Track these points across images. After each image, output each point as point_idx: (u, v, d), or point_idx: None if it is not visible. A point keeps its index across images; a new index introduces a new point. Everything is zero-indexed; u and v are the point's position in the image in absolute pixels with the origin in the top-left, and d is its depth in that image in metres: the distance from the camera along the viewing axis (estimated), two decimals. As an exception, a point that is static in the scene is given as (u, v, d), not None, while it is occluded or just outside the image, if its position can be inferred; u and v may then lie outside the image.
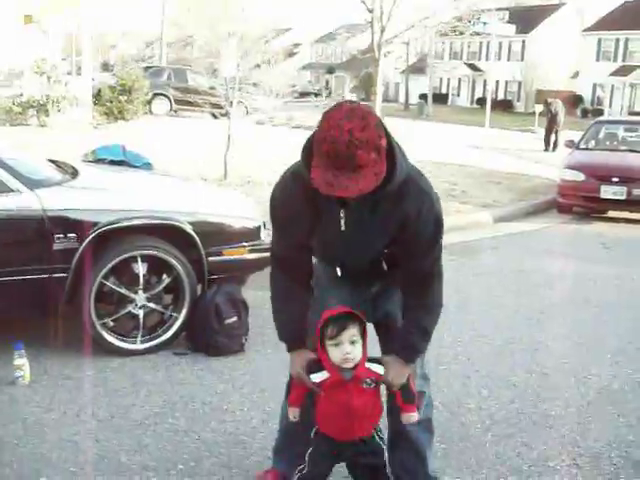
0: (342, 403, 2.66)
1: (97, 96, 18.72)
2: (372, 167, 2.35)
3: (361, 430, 2.75)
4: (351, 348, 2.63)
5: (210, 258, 4.89)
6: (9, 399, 3.97)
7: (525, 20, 50.87)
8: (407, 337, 2.76)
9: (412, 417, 2.79)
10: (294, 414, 2.83)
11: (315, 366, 2.72)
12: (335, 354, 2.64)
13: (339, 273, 2.90)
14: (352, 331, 2.63)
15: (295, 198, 2.65)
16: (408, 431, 2.99)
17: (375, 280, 2.92)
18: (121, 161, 6.74)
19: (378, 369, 2.71)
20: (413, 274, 2.72)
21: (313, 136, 2.43)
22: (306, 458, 2.83)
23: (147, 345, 4.70)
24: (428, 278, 2.73)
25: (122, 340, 4.65)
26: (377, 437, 2.82)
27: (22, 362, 4.15)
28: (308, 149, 2.47)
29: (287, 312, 2.84)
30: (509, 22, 22.00)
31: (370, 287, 2.95)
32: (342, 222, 2.61)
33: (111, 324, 4.62)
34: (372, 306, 2.94)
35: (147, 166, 6.97)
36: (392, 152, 2.47)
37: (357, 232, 2.63)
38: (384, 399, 2.91)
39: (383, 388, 2.80)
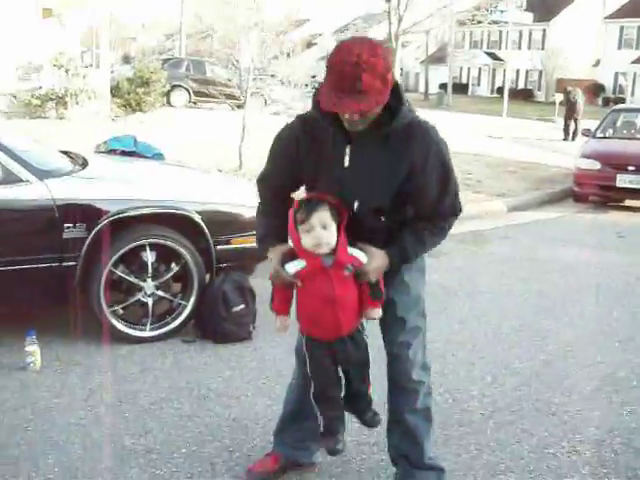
0: (325, 293, 2.63)
1: (115, 88, 18.84)
2: (375, 94, 2.42)
3: (347, 323, 2.71)
4: (322, 232, 2.58)
5: (218, 247, 4.95)
6: (20, 384, 4.06)
7: (546, 8, 50.43)
8: (402, 239, 2.73)
9: (376, 313, 2.75)
10: (281, 322, 2.80)
11: (290, 256, 2.69)
12: (307, 240, 2.61)
13: None
14: (322, 214, 2.58)
15: (298, 135, 2.73)
16: (406, 419, 3.01)
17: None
18: (132, 152, 6.82)
19: (360, 255, 2.66)
20: (426, 219, 2.76)
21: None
22: (309, 374, 2.83)
23: (156, 332, 4.78)
24: (448, 216, 2.78)
25: (131, 327, 4.73)
26: (361, 331, 2.80)
27: (33, 348, 4.24)
28: (318, 90, 2.58)
29: (265, 221, 2.91)
30: (527, 10, 21.80)
31: None
32: (347, 158, 2.64)
33: (120, 312, 4.71)
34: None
35: (158, 157, 7.05)
36: (398, 91, 2.56)
37: (362, 169, 2.63)
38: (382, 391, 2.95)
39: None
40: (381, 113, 2.55)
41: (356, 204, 2.68)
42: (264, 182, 2.94)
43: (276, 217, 2.83)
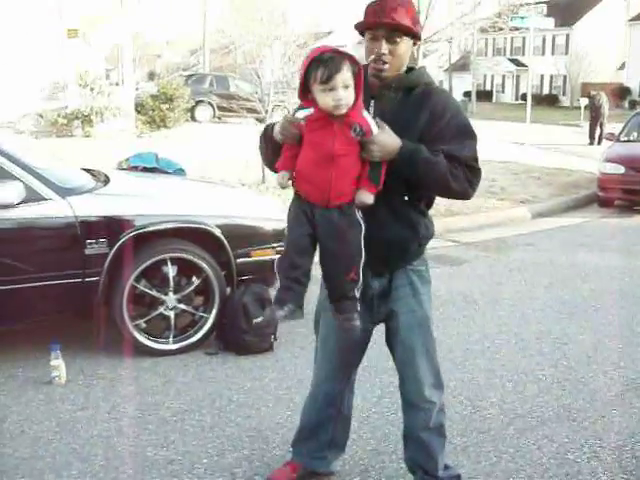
0: (325, 146, 2.53)
1: (140, 105, 19.08)
2: (405, 27, 2.66)
3: (338, 187, 2.57)
4: (344, 93, 2.49)
5: (239, 260, 5.02)
6: (45, 398, 4.14)
7: (568, 12, 50.18)
8: (421, 145, 2.67)
9: (368, 197, 2.59)
10: (282, 176, 2.65)
11: (301, 109, 2.62)
12: (326, 100, 2.50)
13: None
14: (346, 74, 2.48)
15: None
16: (420, 436, 3.03)
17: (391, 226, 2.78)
18: (154, 168, 6.92)
19: (372, 122, 2.58)
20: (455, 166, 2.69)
21: None
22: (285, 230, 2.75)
23: (178, 345, 4.85)
24: (469, 163, 2.72)
25: (154, 341, 4.80)
26: (352, 208, 2.63)
27: (58, 363, 4.33)
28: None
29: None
30: (549, 15, 21.75)
31: (373, 281, 2.89)
32: (371, 109, 2.70)
33: (143, 325, 4.78)
34: (374, 305, 2.90)
35: (180, 172, 7.14)
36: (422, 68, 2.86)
37: (386, 118, 2.66)
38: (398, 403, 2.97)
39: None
40: (403, 73, 2.76)
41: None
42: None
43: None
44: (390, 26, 2.64)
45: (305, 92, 2.58)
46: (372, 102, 2.72)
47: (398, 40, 2.67)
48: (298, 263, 2.68)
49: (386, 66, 2.69)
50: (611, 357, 4.94)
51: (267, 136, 2.77)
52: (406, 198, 2.75)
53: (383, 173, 2.61)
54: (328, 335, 3.01)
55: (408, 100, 2.74)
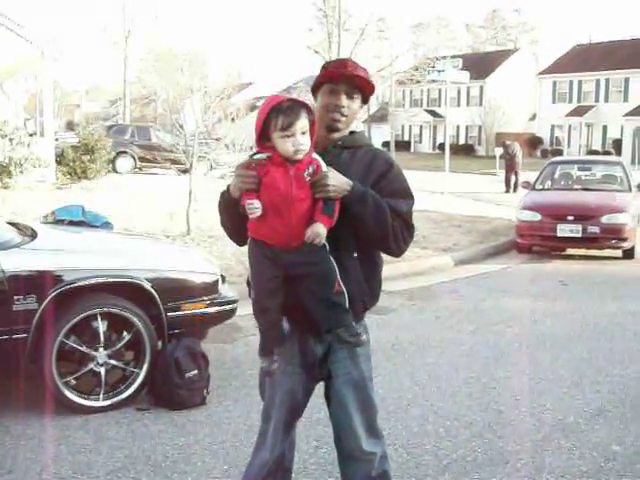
0: (282, 191, 2.57)
1: (60, 156, 18.78)
2: (364, 83, 2.83)
3: (298, 231, 2.61)
4: (303, 139, 2.59)
5: (169, 313, 4.98)
6: (-30, 462, 4.00)
7: (481, 66, 52.12)
8: (369, 188, 2.77)
9: (320, 229, 2.61)
10: (256, 203, 2.59)
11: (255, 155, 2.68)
12: (287, 146, 2.58)
13: None
14: (304, 121, 2.58)
15: None
16: None
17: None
18: (80, 221, 6.83)
19: (322, 162, 2.66)
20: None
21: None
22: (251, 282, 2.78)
23: (109, 402, 4.76)
24: (404, 225, 2.84)
25: (85, 398, 4.70)
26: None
27: (-17, 425, 4.18)
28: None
29: None
30: (464, 69, 22.61)
31: (316, 346, 2.92)
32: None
33: (73, 382, 4.68)
34: (315, 367, 2.93)
35: (107, 225, 7.06)
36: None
37: None
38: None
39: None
40: (347, 134, 2.90)
41: None
42: None
43: None
44: (354, 80, 2.80)
45: (263, 140, 2.65)
46: (326, 156, 2.80)
47: (355, 97, 2.83)
48: (270, 305, 2.74)
49: (342, 118, 2.81)
50: (538, 399, 5.09)
51: (225, 203, 2.80)
52: (355, 254, 2.82)
53: (337, 209, 2.66)
54: (273, 396, 2.99)
55: (354, 159, 2.86)
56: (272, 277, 2.70)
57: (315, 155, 2.68)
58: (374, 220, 2.75)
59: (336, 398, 2.95)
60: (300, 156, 2.60)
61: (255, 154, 2.70)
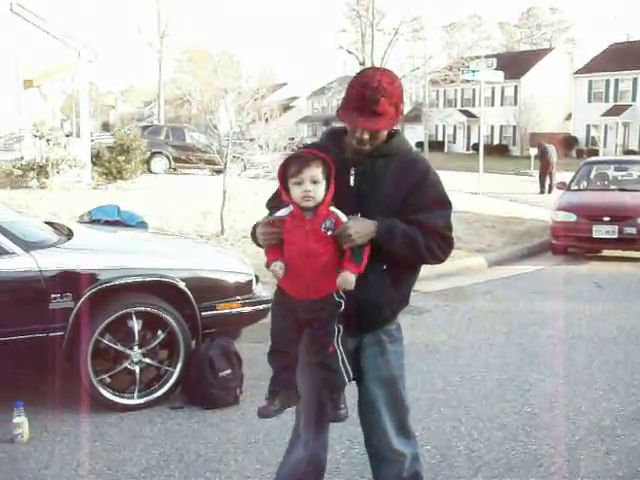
0: (299, 245, 2.66)
1: (96, 157, 19.02)
2: (388, 118, 2.70)
3: (317, 283, 2.67)
4: (312, 187, 2.65)
5: (204, 313, 5.02)
6: (8, 457, 4.06)
7: (516, 65, 51.71)
8: (395, 220, 2.75)
9: (349, 278, 2.64)
10: (279, 267, 2.69)
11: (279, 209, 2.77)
12: (296, 192, 2.67)
13: None
14: (314, 171, 2.66)
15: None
16: None
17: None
18: (116, 221, 6.91)
19: (340, 214, 2.68)
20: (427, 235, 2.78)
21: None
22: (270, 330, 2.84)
23: (144, 400, 4.80)
24: (443, 233, 2.81)
25: (119, 396, 4.75)
26: (336, 297, 2.72)
27: (21, 420, 4.25)
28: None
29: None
30: (498, 68, 22.42)
31: (350, 337, 2.92)
32: (352, 178, 2.80)
33: (108, 380, 4.73)
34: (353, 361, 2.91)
35: (142, 225, 7.14)
36: (398, 131, 2.87)
37: (366, 188, 2.78)
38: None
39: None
40: (384, 141, 2.80)
41: None
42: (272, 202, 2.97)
43: None
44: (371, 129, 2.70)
45: (286, 190, 2.73)
46: (352, 170, 2.79)
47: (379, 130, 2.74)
48: (285, 351, 2.83)
49: (367, 146, 2.76)
50: (573, 402, 5.03)
51: (256, 242, 2.88)
52: (384, 267, 2.80)
53: (366, 253, 2.70)
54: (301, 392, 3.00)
55: (389, 168, 2.80)
56: (290, 326, 2.80)
57: (333, 209, 2.70)
58: (406, 250, 2.77)
59: (365, 396, 2.94)
60: (309, 204, 2.66)
61: (271, 199, 2.81)
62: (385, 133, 2.79)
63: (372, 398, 2.93)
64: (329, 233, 2.66)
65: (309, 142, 2.93)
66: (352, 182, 2.80)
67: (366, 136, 2.72)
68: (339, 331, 2.76)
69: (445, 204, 2.85)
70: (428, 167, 2.88)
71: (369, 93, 2.66)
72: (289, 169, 2.69)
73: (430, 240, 2.77)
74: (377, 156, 2.80)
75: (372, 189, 2.78)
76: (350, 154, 2.80)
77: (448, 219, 2.85)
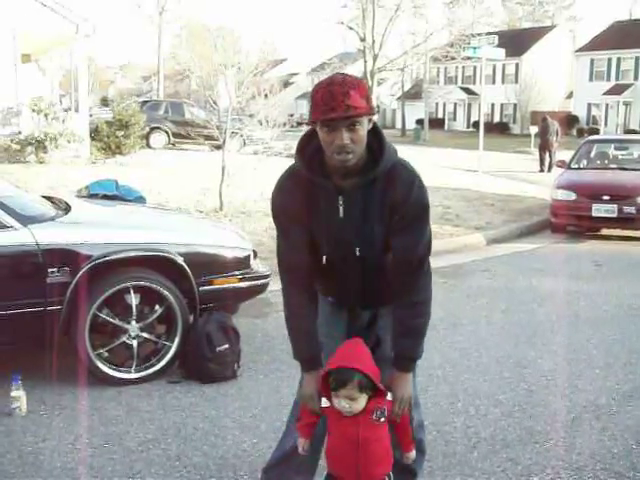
0: (349, 435, 2.61)
1: (95, 132, 18.92)
2: (362, 112, 2.54)
3: (370, 470, 2.65)
4: (349, 404, 2.59)
5: (201, 288, 5.01)
6: (6, 430, 4.07)
7: (517, 43, 51.36)
8: (401, 343, 2.80)
9: (412, 456, 2.85)
10: (304, 446, 2.80)
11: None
12: (335, 402, 2.63)
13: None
14: (350, 391, 2.57)
15: (293, 195, 2.76)
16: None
17: (370, 296, 2.95)
18: (114, 195, 6.89)
19: (388, 397, 2.68)
20: (405, 264, 2.75)
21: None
22: None
23: (141, 374, 4.81)
24: (418, 271, 2.77)
25: (117, 370, 4.76)
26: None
27: (19, 394, 4.26)
28: (304, 137, 2.74)
29: (301, 330, 2.85)
30: (499, 46, 22.26)
31: (363, 312, 3.02)
32: (340, 209, 2.72)
33: (105, 354, 4.74)
34: (363, 334, 2.95)
35: (140, 200, 7.12)
36: (380, 134, 2.70)
37: (356, 217, 2.71)
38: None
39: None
40: (366, 158, 2.66)
41: (357, 250, 2.77)
42: (287, 258, 2.87)
43: (306, 317, 2.85)
44: (350, 118, 2.54)
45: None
46: (340, 198, 2.71)
47: (358, 126, 2.56)
48: None
49: (350, 155, 2.58)
50: (569, 380, 5.05)
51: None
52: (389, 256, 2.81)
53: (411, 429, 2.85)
54: None
55: (373, 191, 2.70)
56: None
57: (383, 399, 2.65)
58: (424, 330, 2.89)
59: (386, 362, 2.89)
60: (347, 414, 2.60)
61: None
62: (365, 141, 2.62)
63: (388, 365, 2.92)
64: (382, 420, 2.64)
65: (286, 170, 2.82)
66: (342, 213, 2.72)
67: (347, 141, 2.54)
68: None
69: (428, 225, 2.80)
70: (414, 183, 2.73)
71: (337, 88, 2.52)
72: (329, 379, 2.63)
73: (420, 288, 2.79)
74: (361, 177, 2.67)
75: (362, 219, 2.72)
76: (335, 177, 2.69)
77: (428, 240, 2.80)
